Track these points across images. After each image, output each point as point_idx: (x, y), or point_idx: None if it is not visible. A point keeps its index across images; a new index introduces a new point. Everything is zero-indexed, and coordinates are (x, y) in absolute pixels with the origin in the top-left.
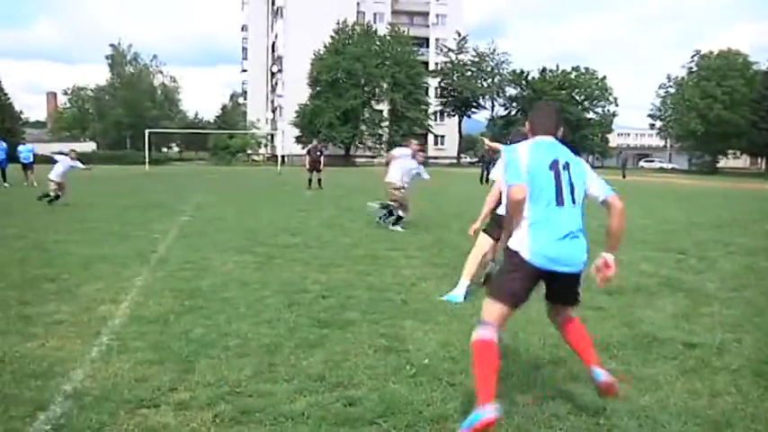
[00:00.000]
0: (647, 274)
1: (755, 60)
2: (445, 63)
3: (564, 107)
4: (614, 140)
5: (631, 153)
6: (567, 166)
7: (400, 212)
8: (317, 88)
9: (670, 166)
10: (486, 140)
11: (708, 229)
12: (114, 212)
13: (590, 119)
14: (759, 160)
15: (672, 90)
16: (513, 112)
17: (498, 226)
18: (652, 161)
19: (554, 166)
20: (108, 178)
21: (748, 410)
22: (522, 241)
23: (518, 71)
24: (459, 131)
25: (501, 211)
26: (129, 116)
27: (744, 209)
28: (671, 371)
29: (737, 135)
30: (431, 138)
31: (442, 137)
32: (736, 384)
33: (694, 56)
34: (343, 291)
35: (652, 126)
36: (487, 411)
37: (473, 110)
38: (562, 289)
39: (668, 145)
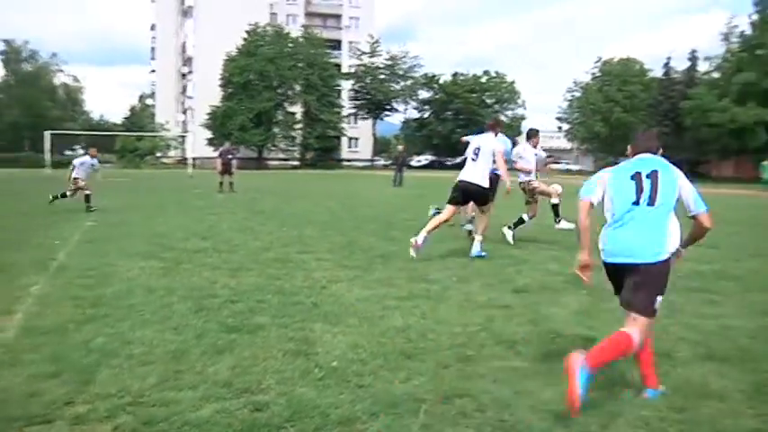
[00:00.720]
0: (553, 272)
1: (651, 68)
2: (358, 66)
3: (474, 110)
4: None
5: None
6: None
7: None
8: (229, 90)
9: (577, 167)
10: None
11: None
12: (9, 218)
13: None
14: None
15: (577, 94)
16: (425, 115)
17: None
18: (558, 162)
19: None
20: (3, 181)
21: (640, 398)
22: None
23: (430, 75)
24: (373, 134)
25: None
26: (26, 117)
27: None
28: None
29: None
30: (344, 140)
31: (356, 139)
32: (630, 375)
33: (597, 62)
34: (252, 295)
35: (559, 129)
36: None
37: (386, 113)
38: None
39: (575, 147)
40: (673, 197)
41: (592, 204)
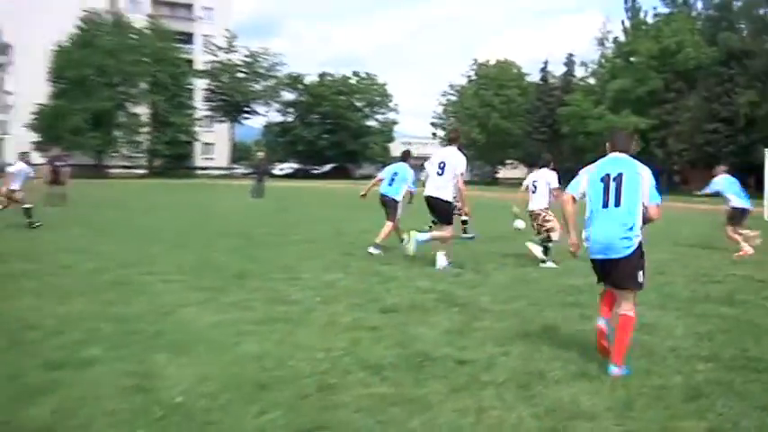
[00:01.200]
0: (423, 290)
1: (528, 72)
2: (213, 63)
3: (342, 113)
4: (397, 149)
5: (416, 162)
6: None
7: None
8: (60, 86)
9: None
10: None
11: (484, 241)
12: None
13: (370, 126)
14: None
15: (454, 98)
16: (289, 119)
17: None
18: None
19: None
20: None
21: (510, 422)
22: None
23: (294, 74)
24: (231, 139)
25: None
26: None
27: None
28: (441, 389)
29: (514, 145)
30: (198, 146)
31: (212, 145)
32: (501, 398)
33: (473, 64)
34: (82, 324)
35: (434, 135)
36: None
37: (246, 115)
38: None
39: None
40: (637, 196)
41: (574, 198)
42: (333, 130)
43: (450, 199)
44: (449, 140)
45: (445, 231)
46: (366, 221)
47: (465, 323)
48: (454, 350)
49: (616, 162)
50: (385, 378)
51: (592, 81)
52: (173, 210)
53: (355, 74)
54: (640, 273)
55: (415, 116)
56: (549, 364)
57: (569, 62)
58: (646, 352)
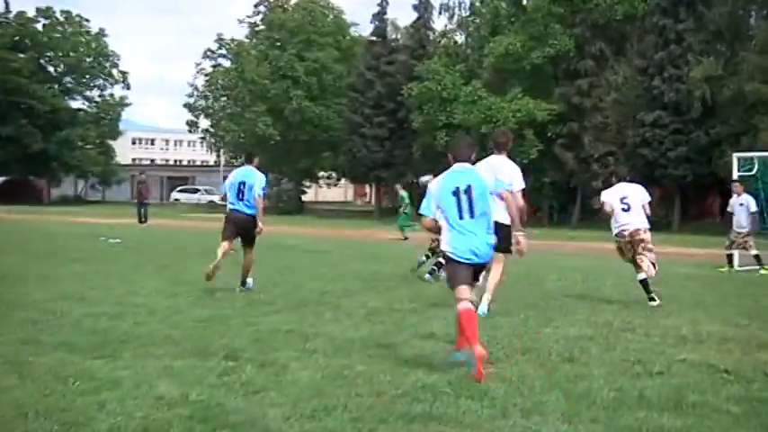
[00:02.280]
0: None
1: (355, 21)
2: None
3: (21, 86)
4: (128, 151)
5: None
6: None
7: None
8: None
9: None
10: None
11: None
12: None
13: (78, 111)
14: None
15: (226, 63)
16: None
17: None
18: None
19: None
20: None
21: None
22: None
23: None
24: None
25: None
26: None
27: None
28: None
29: (332, 146)
30: None
31: None
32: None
33: (259, 5)
34: None
35: (191, 127)
36: (479, 348)
37: None
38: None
39: (221, 160)
40: (488, 202)
41: (435, 219)
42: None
43: (508, 222)
44: (495, 146)
45: (499, 266)
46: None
47: None
48: None
49: (462, 174)
50: None
51: (459, 39)
52: None
53: (46, 14)
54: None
55: (158, 94)
56: None
57: (423, 4)
58: None
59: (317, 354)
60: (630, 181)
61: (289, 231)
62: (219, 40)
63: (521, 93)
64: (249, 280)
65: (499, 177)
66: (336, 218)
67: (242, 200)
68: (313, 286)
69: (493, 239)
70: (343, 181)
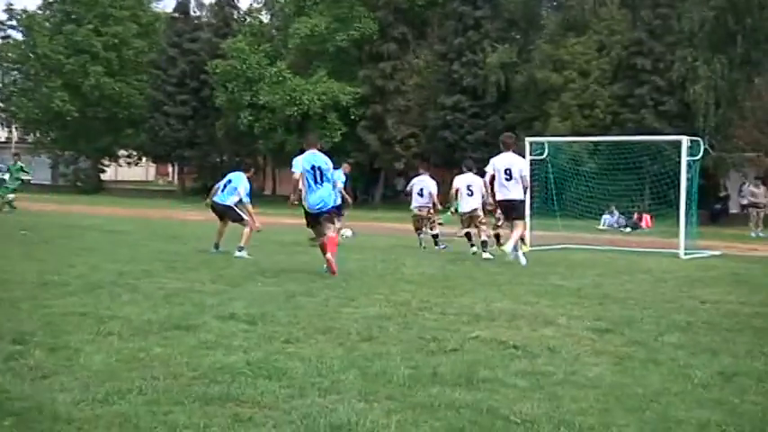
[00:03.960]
0: None
1: None
2: None
3: None
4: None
5: None
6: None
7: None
8: None
9: (25, 177)
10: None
11: None
12: None
13: None
14: None
15: (17, 36)
16: None
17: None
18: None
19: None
20: None
21: None
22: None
23: None
24: None
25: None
26: None
27: None
28: None
29: (133, 123)
30: None
31: None
32: None
33: None
34: None
35: None
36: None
37: None
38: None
39: (15, 137)
40: (330, 177)
41: (301, 174)
42: None
43: (521, 198)
44: (504, 146)
45: (520, 227)
46: None
47: None
48: None
49: (315, 157)
50: None
51: (265, 18)
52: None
53: None
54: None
55: None
56: None
57: None
58: None
59: (112, 336)
60: (477, 173)
61: (87, 211)
62: (9, 10)
63: (325, 75)
64: (243, 253)
65: (514, 168)
66: (137, 197)
67: (223, 192)
68: (110, 267)
69: (331, 199)
70: (144, 160)
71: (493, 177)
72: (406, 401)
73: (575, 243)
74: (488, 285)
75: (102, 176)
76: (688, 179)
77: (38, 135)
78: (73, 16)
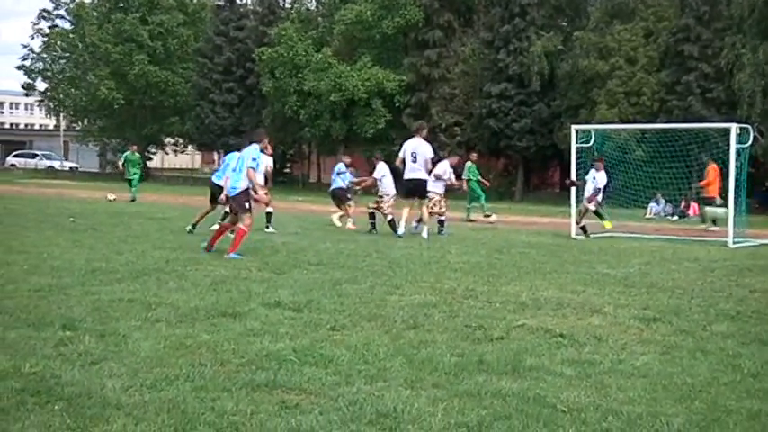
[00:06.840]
0: None
1: None
2: None
3: None
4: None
5: None
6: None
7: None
8: None
9: (70, 164)
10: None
11: None
12: None
13: None
14: None
15: (65, 25)
16: None
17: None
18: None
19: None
20: None
21: None
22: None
23: None
24: None
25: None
26: None
27: None
28: None
29: (179, 111)
30: None
31: None
32: None
33: None
34: None
35: (28, 90)
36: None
37: None
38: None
39: (62, 125)
40: (245, 168)
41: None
42: None
43: (425, 178)
44: (416, 131)
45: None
46: None
47: None
48: None
49: (247, 150)
50: None
51: (311, 6)
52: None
53: None
54: (246, 204)
55: None
56: None
57: None
58: None
59: (159, 323)
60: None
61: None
62: (55, 2)
63: (370, 62)
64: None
65: (419, 152)
66: (183, 185)
67: (234, 171)
68: (157, 254)
69: (240, 185)
70: (190, 148)
71: (404, 160)
72: (453, 389)
73: (621, 232)
74: (534, 273)
75: (149, 164)
76: (737, 167)
77: (85, 123)
78: (120, 5)
